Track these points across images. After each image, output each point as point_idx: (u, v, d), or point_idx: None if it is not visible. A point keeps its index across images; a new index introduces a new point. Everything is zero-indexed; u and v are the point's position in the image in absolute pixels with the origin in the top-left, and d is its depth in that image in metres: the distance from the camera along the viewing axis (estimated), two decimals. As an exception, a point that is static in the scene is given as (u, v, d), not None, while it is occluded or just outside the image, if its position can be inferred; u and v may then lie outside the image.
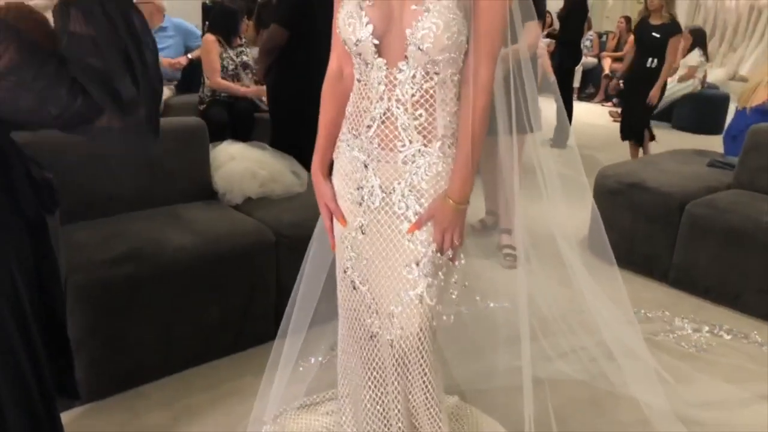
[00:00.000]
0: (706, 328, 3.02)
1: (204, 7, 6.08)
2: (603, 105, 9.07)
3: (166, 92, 4.95)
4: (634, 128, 5.45)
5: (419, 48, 1.40)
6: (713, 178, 3.80)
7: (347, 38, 1.46)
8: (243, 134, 4.51)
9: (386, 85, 1.46)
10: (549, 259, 2.30)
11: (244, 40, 4.81)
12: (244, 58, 4.67)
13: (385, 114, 1.48)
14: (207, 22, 5.80)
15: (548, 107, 4.24)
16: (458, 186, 1.50)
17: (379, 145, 1.51)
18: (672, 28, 5.00)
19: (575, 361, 2.56)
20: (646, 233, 3.60)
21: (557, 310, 2.59)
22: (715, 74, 9.33)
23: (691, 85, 7.45)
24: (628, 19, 9.46)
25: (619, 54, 9.01)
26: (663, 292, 3.44)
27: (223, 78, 4.49)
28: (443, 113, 1.48)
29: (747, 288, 3.19)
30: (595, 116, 8.37)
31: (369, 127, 1.51)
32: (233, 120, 4.49)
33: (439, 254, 1.53)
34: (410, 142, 1.49)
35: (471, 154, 1.46)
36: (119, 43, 1.05)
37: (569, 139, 4.19)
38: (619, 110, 7.98)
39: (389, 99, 1.47)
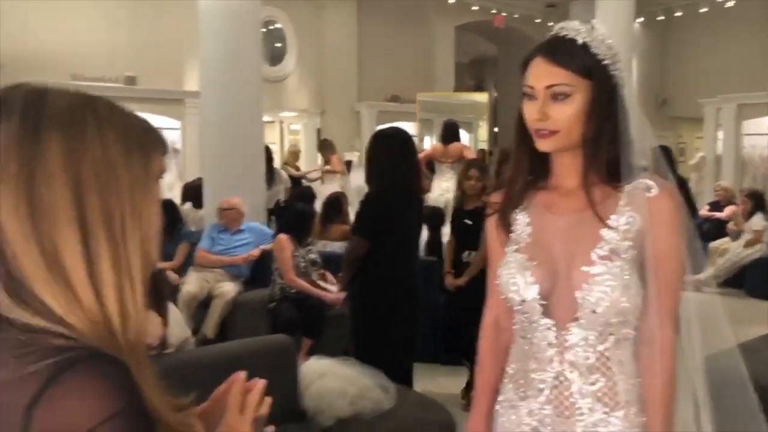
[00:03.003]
0: None
1: (270, 210, 6.37)
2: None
3: (235, 288, 4.98)
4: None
5: (593, 311, 1.29)
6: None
7: (511, 298, 1.37)
8: (314, 333, 4.44)
9: (556, 348, 1.34)
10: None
11: (310, 238, 4.89)
12: (312, 255, 4.74)
13: (557, 378, 1.34)
14: (275, 220, 6.01)
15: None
16: None
17: (553, 411, 1.35)
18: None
19: None
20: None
21: None
22: (775, 231, 9.11)
23: (760, 250, 7.26)
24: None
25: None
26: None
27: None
28: (622, 376, 1.33)
29: None
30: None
31: (540, 390, 1.36)
32: (303, 318, 4.43)
33: None
34: (590, 410, 1.32)
35: (662, 426, 1.30)
36: None
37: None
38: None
39: (561, 362, 1.34)
